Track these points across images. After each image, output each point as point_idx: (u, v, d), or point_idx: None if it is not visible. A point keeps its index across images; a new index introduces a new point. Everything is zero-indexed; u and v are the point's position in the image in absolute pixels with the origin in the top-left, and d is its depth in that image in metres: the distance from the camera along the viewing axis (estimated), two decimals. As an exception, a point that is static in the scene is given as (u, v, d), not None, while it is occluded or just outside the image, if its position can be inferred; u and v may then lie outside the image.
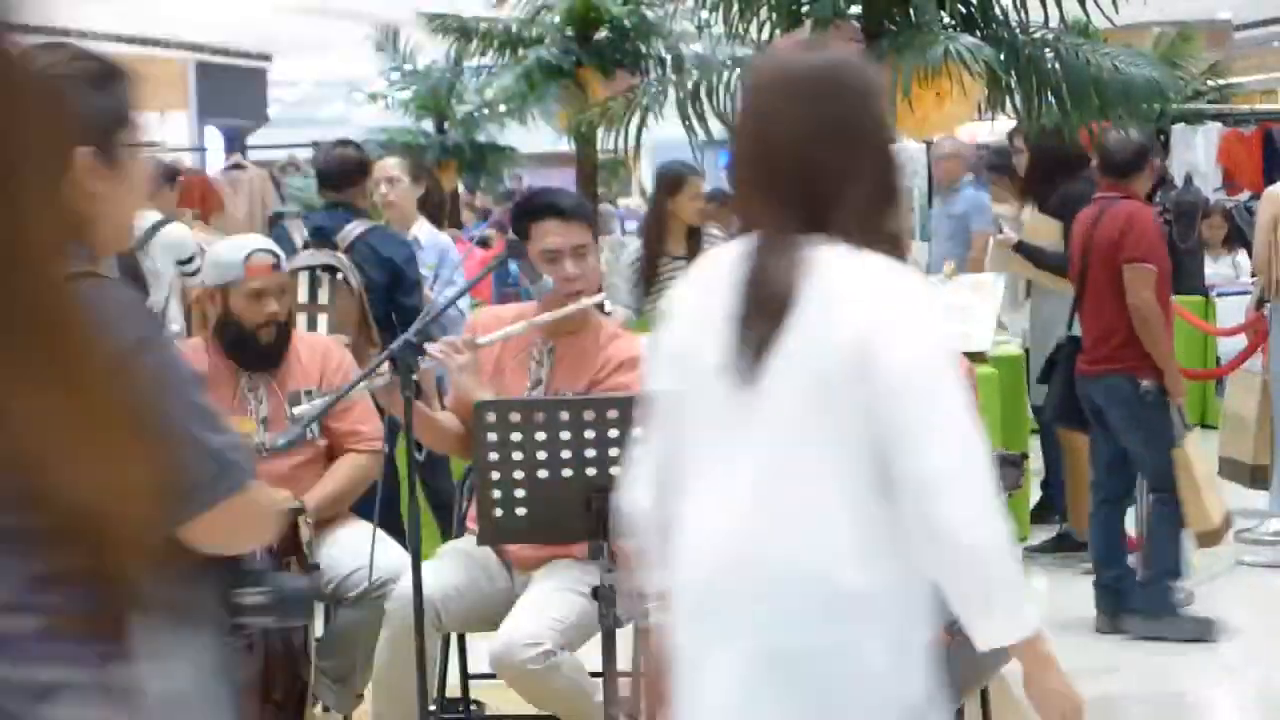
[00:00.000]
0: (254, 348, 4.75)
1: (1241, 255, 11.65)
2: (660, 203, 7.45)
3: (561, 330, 4.40)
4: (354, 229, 6.25)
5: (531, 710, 4.24)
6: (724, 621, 2.52)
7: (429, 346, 4.11)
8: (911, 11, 6.03)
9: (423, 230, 7.11)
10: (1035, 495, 7.92)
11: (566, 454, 3.62)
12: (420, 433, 4.14)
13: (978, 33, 6.02)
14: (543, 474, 3.63)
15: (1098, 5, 6.00)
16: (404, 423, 3.87)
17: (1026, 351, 7.95)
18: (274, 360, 4.79)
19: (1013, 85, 6.01)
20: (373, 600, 4.40)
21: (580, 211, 4.44)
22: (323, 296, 5.93)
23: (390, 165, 7.19)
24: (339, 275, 5.95)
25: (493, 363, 4.43)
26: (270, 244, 4.97)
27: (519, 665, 3.99)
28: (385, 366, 4.02)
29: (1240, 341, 8.33)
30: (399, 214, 6.98)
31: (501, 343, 4.40)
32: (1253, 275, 10.93)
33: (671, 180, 7.42)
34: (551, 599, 4.15)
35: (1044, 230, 7.22)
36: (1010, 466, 4.17)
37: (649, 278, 7.29)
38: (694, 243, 7.29)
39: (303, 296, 5.88)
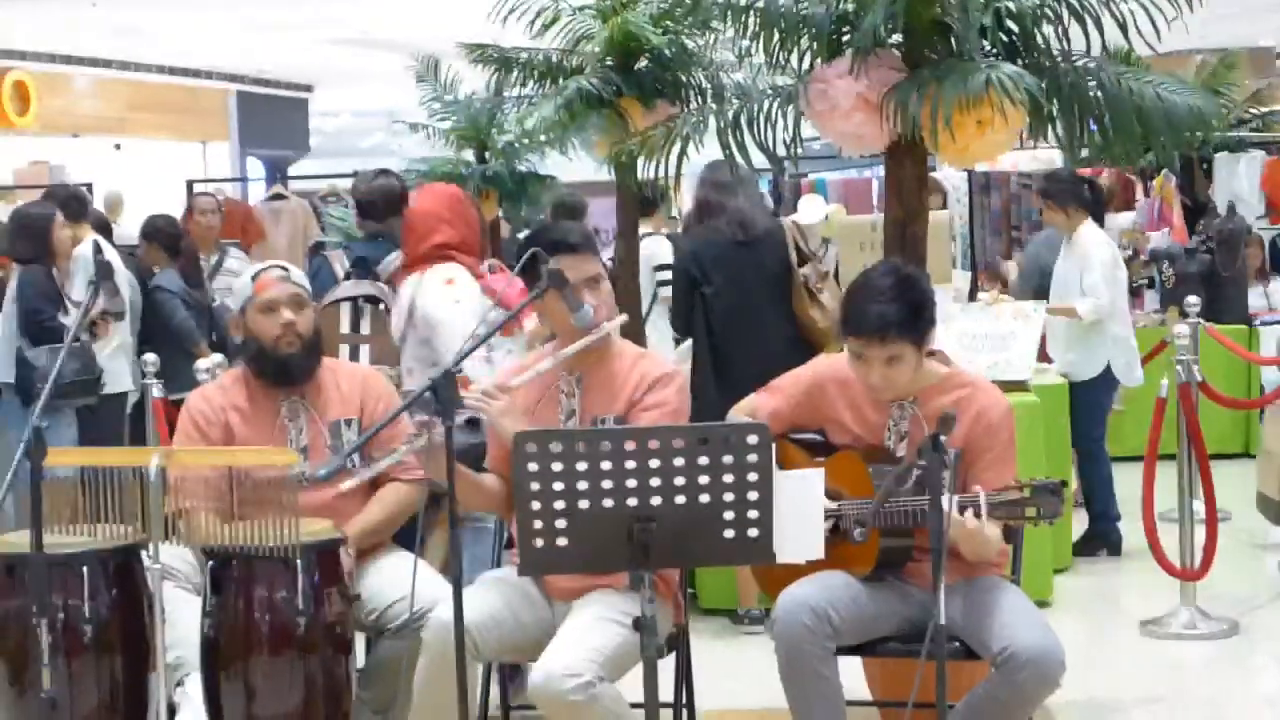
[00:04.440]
0: (276, 362, 4.75)
1: (1275, 284, 11.58)
2: None
3: (586, 359, 4.44)
4: (395, 259, 6.25)
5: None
6: None
7: (465, 397, 4.12)
8: (953, 40, 5.99)
9: None
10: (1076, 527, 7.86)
11: (608, 484, 3.60)
12: (462, 495, 4.12)
13: (1019, 61, 5.99)
14: (583, 504, 3.61)
15: (1139, 33, 5.96)
16: (446, 485, 3.86)
17: (1069, 381, 7.91)
18: (301, 377, 4.78)
19: (1055, 114, 5.97)
20: (414, 631, 4.39)
21: (589, 244, 4.59)
22: (365, 327, 5.92)
23: None
24: (381, 306, 5.95)
25: (523, 405, 4.46)
26: (281, 263, 4.97)
27: (559, 696, 3.98)
28: (422, 431, 4.06)
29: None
30: None
31: (532, 383, 4.43)
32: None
33: None
34: (592, 629, 4.14)
35: None
36: (1050, 495, 4.12)
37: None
38: None
39: (345, 327, 5.89)
